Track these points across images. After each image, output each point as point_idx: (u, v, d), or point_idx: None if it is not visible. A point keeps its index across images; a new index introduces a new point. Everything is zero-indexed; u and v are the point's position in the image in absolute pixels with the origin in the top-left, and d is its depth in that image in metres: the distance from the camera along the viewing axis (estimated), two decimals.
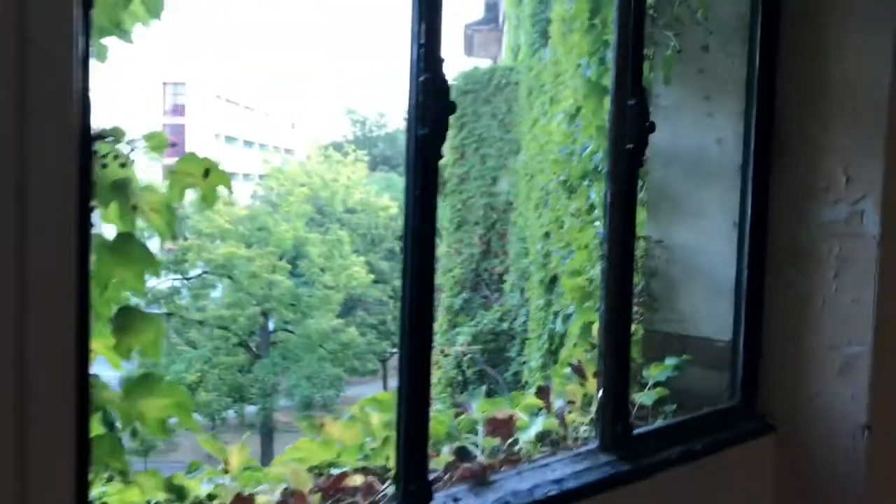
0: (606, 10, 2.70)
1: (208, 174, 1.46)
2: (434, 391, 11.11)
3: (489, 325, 10.78)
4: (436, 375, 11.22)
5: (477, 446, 2.04)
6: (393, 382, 29.52)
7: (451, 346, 10.98)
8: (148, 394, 1.39)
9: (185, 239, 26.76)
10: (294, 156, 35.05)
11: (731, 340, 2.68)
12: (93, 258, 1.39)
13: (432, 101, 1.66)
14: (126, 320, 1.41)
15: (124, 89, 48.42)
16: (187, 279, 26.79)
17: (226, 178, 1.51)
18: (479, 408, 2.04)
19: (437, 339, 12.57)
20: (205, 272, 26.73)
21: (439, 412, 2.13)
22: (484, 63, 15.50)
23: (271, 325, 28.31)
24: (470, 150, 11.65)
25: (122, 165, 1.42)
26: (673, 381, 2.55)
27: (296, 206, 26.94)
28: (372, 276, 28.31)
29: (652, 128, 2.14)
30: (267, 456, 28.04)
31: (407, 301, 1.64)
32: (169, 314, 26.71)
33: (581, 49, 2.79)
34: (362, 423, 1.78)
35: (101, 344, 1.41)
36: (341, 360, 27.28)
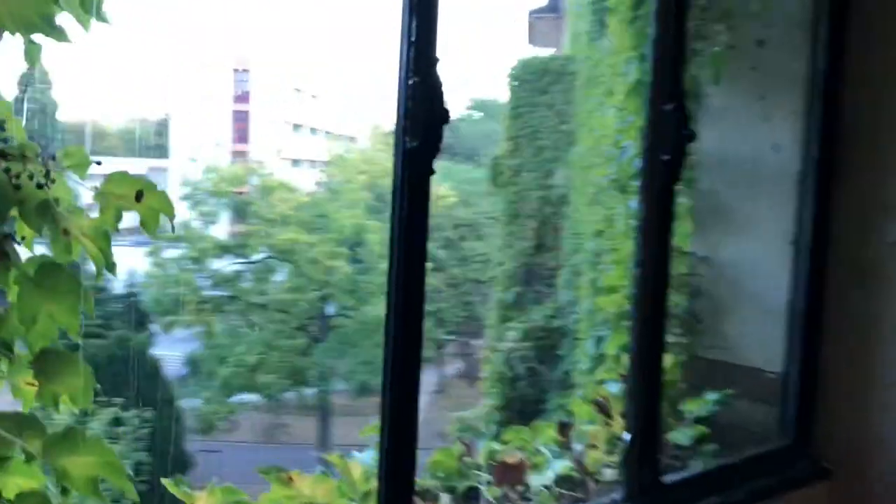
0: None
1: (141, 197, 1.27)
2: (483, 386, 10.90)
3: (540, 320, 10.50)
4: (485, 371, 11.01)
5: (486, 484, 1.82)
6: (449, 370, 29.66)
7: (500, 341, 10.74)
8: (70, 452, 1.22)
9: (249, 224, 27.18)
10: (356, 143, 35.13)
11: (783, 371, 2.39)
12: (14, 290, 1.23)
13: (423, 108, 1.43)
14: (48, 364, 1.24)
15: (194, 76, 49.37)
16: (250, 263, 27.19)
17: (165, 202, 1.31)
18: (484, 450, 1.82)
19: (488, 334, 12.35)
20: (268, 257, 27.10)
21: (445, 449, 1.91)
22: (546, 52, 15.14)
23: (330, 311, 28.58)
24: (525, 141, 11.34)
25: (39, 186, 1.24)
26: (715, 416, 2.28)
27: (356, 193, 27.04)
28: (431, 264, 28.23)
29: (692, 136, 1.88)
30: (325, 438, 28.45)
31: (390, 336, 1.43)
32: (232, 297, 27.19)
33: (622, 43, 2.52)
34: (343, 473, 1.58)
35: (27, 390, 1.24)
36: None
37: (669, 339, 2.11)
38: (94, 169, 1.38)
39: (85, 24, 1.33)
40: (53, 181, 1.26)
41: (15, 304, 1.21)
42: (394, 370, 1.44)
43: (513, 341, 10.77)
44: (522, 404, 10.67)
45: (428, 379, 36.52)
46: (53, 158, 1.25)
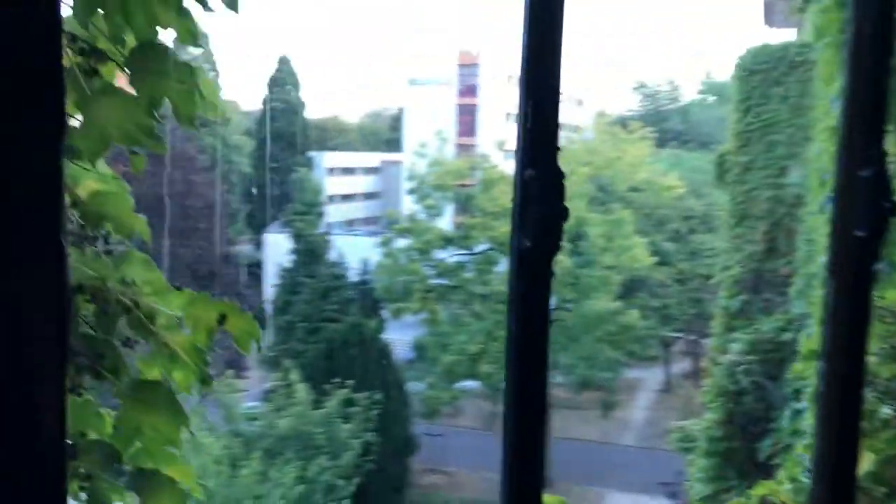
0: None
1: (224, 320, 1.25)
2: (704, 399, 10.27)
3: (769, 332, 9.67)
4: (707, 382, 10.37)
5: None
6: (675, 368, 28.40)
7: (723, 353, 10.03)
8: None
9: (472, 216, 27.82)
10: (579, 134, 34.67)
11: None
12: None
13: (538, 205, 1.26)
14: (144, 482, 1.25)
15: (424, 71, 51.33)
16: (473, 254, 27.87)
17: (248, 324, 1.29)
18: None
19: (711, 343, 11.61)
20: (489, 248, 27.61)
21: None
22: (785, 35, 13.87)
23: (551, 303, 28.47)
24: (755, 136, 10.46)
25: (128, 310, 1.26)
26: None
27: (578, 185, 26.65)
28: (655, 258, 27.30)
29: (894, 209, 1.53)
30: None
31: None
32: (455, 286, 28.04)
33: (827, 72, 2.11)
34: None
35: None
36: (620, 343, 26.78)
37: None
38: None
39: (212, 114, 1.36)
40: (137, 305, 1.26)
41: (119, 417, 1.23)
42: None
43: (737, 353, 10.03)
44: (747, 421, 9.94)
45: (654, 377, 35.44)
46: (134, 283, 1.25)
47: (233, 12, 1.28)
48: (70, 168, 1.27)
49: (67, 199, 1.31)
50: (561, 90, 1.30)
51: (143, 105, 1.21)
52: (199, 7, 1.24)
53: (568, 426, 30.98)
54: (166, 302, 1.27)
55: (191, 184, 37.79)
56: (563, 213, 1.28)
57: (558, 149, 1.28)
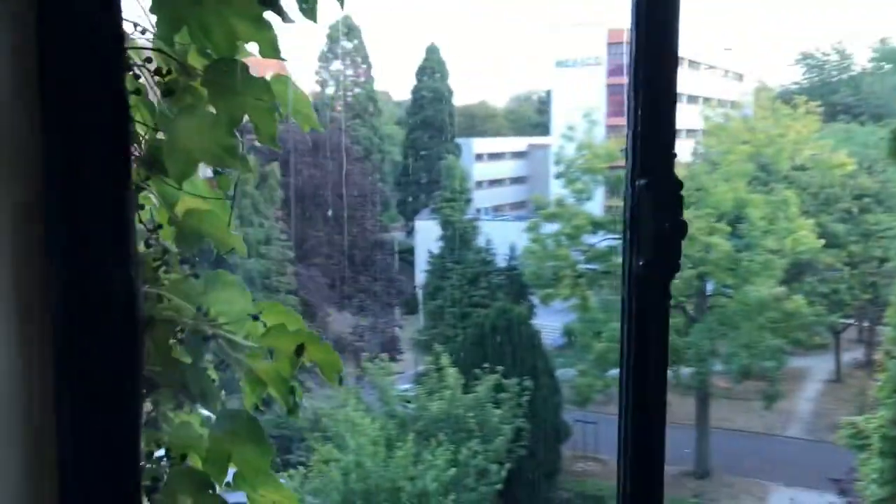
0: None
1: (302, 351, 1.23)
2: (878, 394, 9.54)
3: None
4: (881, 377, 9.62)
5: None
6: (846, 357, 26.59)
7: None
8: None
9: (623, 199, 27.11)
10: (738, 110, 32.93)
11: None
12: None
13: (653, 220, 1.12)
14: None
15: (572, 51, 50.46)
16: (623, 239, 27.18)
17: (328, 354, 1.26)
18: None
19: (886, 333, 10.71)
20: None
21: None
22: None
23: (709, 289, 27.39)
24: None
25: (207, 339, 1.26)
26: None
27: (737, 164, 25.38)
28: (822, 241, 25.56)
29: None
30: (702, 420, 27.53)
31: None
32: (606, 272, 27.47)
33: None
34: None
35: None
36: (784, 331, 25.32)
37: None
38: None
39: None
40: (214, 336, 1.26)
41: (209, 446, 1.24)
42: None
43: None
44: None
45: (822, 367, 33.29)
46: (206, 315, 1.24)
47: (311, 22, 1.25)
48: (165, 188, 1.26)
49: (164, 219, 1.31)
50: (677, 88, 1.15)
51: (224, 124, 1.19)
52: (279, 19, 1.21)
53: (728, 416, 29.70)
54: (248, 329, 1.26)
55: (346, 173, 39.22)
56: (682, 229, 1.14)
57: (674, 155, 1.15)
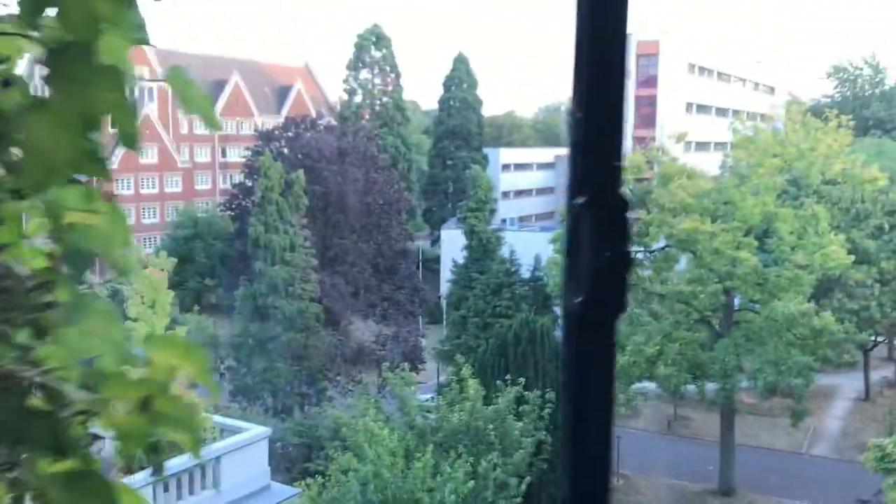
0: None
1: (148, 406, 1.05)
2: None
3: None
4: None
5: None
6: (875, 375, 26.01)
7: None
8: None
9: (649, 212, 26.86)
10: (769, 123, 32.53)
11: None
12: None
13: (591, 247, 0.92)
14: None
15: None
16: (650, 252, 26.91)
17: (189, 416, 1.05)
18: None
19: None
20: (667, 246, 26.55)
21: None
22: None
23: (735, 304, 27.01)
24: None
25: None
26: None
27: (766, 178, 25.01)
28: (852, 257, 25.11)
29: None
30: (726, 437, 27.09)
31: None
32: (631, 284, 27.21)
33: None
34: None
35: None
36: (812, 348, 24.90)
37: None
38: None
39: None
40: None
41: None
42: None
43: None
44: None
45: (850, 385, 32.69)
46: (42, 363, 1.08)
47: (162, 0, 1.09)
48: (54, 196, 1.07)
49: (47, 232, 1.12)
50: (626, 91, 0.96)
51: (76, 123, 1.00)
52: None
53: (753, 433, 29.25)
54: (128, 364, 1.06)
55: (372, 182, 39.30)
56: (625, 261, 0.94)
57: (620, 168, 0.94)
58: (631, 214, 0.94)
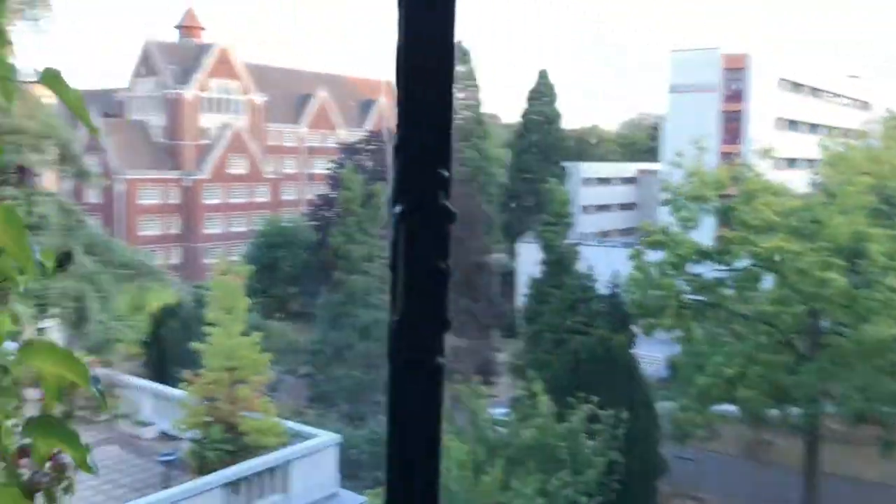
0: None
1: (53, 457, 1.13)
2: None
3: None
4: None
5: None
6: None
7: None
8: None
9: (732, 229, 26.14)
10: (863, 139, 31.25)
11: None
12: None
13: (407, 259, 0.84)
14: None
15: (687, 77, 49.38)
16: (733, 270, 26.18)
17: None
18: None
19: None
20: (751, 265, 25.77)
21: None
22: None
23: (822, 327, 25.96)
24: None
25: None
26: None
27: (856, 196, 24.06)
28: None
29: None
30: (810, 464, 26.02)
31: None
32: (713, 304, 26.50)
33: None
34: None
35: None
36: None
37: None
38: None
39: None
40: None
41: None
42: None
43: None
44: None
45: None
46: None
47: None
48: None
49: None
50: (452, 89, 0.85)
51: None
52: None
53: (841, 462, 27.96)
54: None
55: (451, 194, 39.54)
56: (442, 276, 0.83)
57: (445, 176, 0.84)
58: (456, 227, 0.87)
